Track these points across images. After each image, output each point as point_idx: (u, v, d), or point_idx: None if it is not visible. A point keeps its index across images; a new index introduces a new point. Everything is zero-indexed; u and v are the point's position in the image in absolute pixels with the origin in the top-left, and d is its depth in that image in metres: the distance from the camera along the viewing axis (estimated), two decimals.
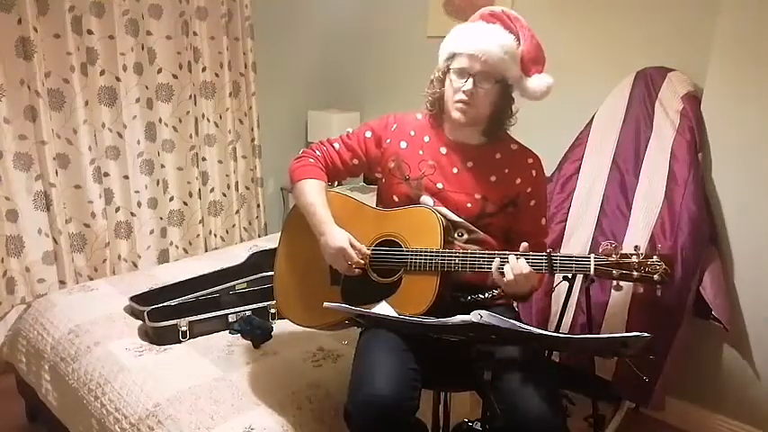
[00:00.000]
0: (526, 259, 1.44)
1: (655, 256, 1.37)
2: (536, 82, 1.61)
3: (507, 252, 1.47)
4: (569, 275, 2.11)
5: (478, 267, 1.50)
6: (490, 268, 1.48)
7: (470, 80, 1.54)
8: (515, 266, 1.43)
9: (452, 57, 1.60)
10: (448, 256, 1.51)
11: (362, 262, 1.58)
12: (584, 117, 2.39)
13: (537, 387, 1.40)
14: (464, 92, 1.55)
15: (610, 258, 1.39)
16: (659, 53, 2.29)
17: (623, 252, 1.39)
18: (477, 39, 1.55)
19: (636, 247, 1.40)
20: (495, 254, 1.48)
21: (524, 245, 1.47)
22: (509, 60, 1.56)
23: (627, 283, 1.43)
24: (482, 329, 1.34)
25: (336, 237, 1.58)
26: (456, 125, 1.63)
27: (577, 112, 2.42)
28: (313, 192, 1.67)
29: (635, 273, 1.37)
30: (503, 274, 1.45)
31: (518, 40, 1.59)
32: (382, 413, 1.36)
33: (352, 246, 1.57)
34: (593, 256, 1.41)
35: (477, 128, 1.64)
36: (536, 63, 1.61)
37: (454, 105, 1.58)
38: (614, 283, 1.45)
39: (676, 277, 2.03)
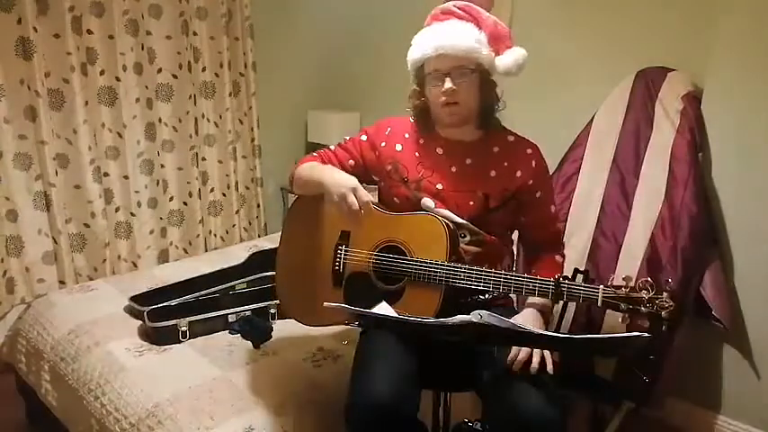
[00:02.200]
0: (533, 284, 1.43)
1: (665, 293, 1.34)
2: (509, 57, 1.60)
3: (513, 274, 1.46)
4: (568, 273, 2.11)
5: (483, 285, 1.48)
6: (496, 290, 1.48)
7: (447, 79, 1.54)
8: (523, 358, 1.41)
9: (422, 65, 1.60)
10: (453, 272, 1.50)
11: (371, 205, 1.53)
12: (585, 117, 2.39)
13: (536, 387, 1.40)
14: (444, 92, 1.54)
15: (619, 292, 1.37)
16: (659, 53, 2.29)
17: (633, 286, 1.36)
18: (438, 37, 1.55)
19: (647, 281, 1.36)
20: (501, 274, 1.47)
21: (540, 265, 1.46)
22: (476, 46, 1.55)
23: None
24: (482, 329, 1.34)
25: (346, 176, 1.57)
26: (449, 127, 1.63)
27: (578, 113, 2.42)
28: (314, 164, 1.69)
29: (643, 308, 1.35)
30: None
31: (477, 25, 1.59)
32: (382, 415, 1.36)
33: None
34: (602, 287, 1.39)
35: (471, 124, 1.64)
36: (502, 39, 1.61)
37: (442, 110, 1.58)
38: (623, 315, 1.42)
39: (677, 278, 2.03)
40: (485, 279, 1.48)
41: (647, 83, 2.25)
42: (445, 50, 1.53)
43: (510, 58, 1.59)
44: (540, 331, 1.35)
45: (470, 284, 1.48)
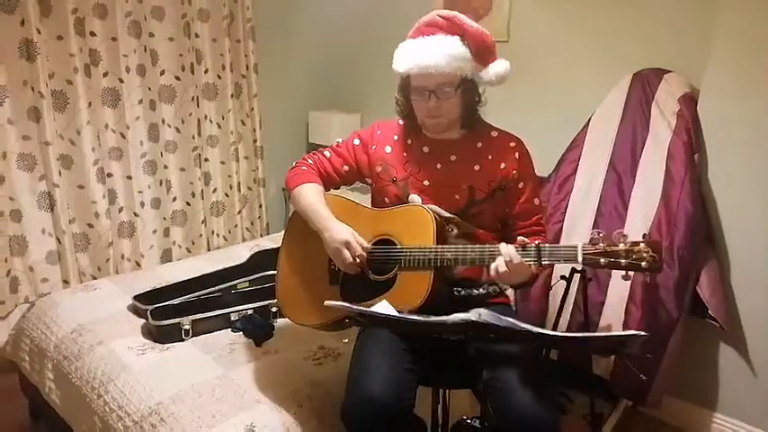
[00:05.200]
0: (516, 249, 1.45)
1: (642, 243, 1.35)
2: (492, 71, 1.62)
3: (496, 245, 1.48)
4: (565, 273, 2.13)
5: (470, 261, 1.52)
6: (482, 262, 1.50)
7: (432, 96, 1.57)
8: (506, 254, 1.43)
9: (407, 76, 1.61)
10: (440, 251, 1.53)
11: (365, 255, 1.59)
12: (582, 118, 2.41)
13: (533, 385, 1.41)
14: (429, 110, 1.60)
15: (597, 247, 1.38)
16: (656, 55, 2.30)
17: (610, 240, 1.38)
18: (423, 56, 1.55)
19: (623, 234, 1.38)
20: (485, 247, 1.50)
21: (520, 239, 1.46)
22: (461, 63, 1.56)
23: (619, 271, 1.42)
24: (481, 328, 1.35)
25: (340, 231, 1.60)
26: (433, 133, 1.68)
27: (575, 114, 2.43)
28: (311, 194, 1.69)
29: (623, 260, 1.36)
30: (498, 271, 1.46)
31: (463, 37, 1.58)
32: (377, 414, 1.38)
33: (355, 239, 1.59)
34: (580, 244, 1.40)
35: (455, 126, 1.68)
36: (489, 52, 1.62)
37: (426, 120, 1.64)
38: (624, 273, 1.43)
39: (674, 277, 2.05)
40: (470, 254, 1.50)
41: (644, 84, 2.26)
42: (429, 70, 1.54)
43: (492, 72, 1.62)
44: (539, 330, 1.36)
45: (457, 262, 1.52)
